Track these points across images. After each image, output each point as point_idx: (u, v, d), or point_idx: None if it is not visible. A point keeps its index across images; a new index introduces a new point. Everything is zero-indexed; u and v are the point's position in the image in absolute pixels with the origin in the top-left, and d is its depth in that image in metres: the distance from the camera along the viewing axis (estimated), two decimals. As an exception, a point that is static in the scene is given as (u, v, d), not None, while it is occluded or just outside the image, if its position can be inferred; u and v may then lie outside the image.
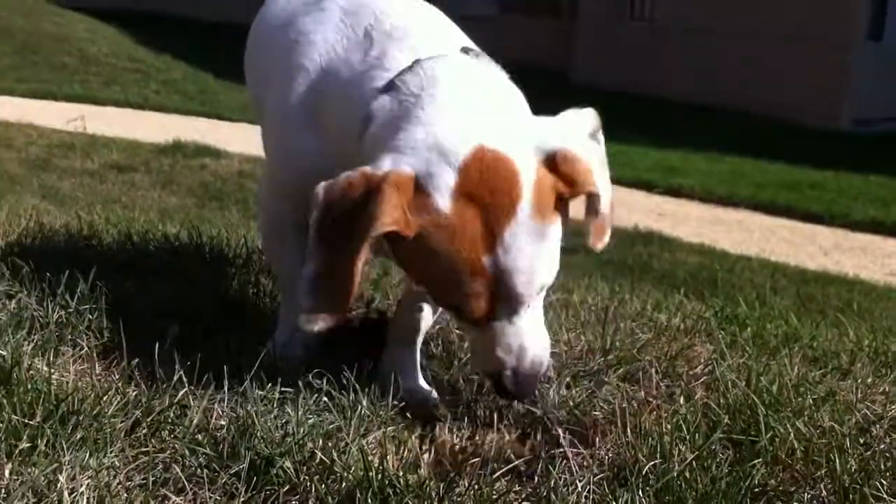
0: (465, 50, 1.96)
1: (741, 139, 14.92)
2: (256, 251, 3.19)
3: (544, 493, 1.63)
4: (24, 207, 4.25)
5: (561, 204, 1.76)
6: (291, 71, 2.08)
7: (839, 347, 2.82)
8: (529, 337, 1.78)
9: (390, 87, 1.85)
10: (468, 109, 1.78)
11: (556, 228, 1.75)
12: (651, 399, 2.05)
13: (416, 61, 1.86)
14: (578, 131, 1.84)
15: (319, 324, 1.73)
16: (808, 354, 2.71)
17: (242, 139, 11.86)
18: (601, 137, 1.89)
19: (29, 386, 1.74)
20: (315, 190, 1.72)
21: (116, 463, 1.59)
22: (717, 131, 15.67)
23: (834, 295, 7.17)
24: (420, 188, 1.69)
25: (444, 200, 1.68)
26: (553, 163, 1.74)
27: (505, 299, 1.73)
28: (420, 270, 1.77)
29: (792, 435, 1.85)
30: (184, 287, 2.55)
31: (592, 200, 1.83)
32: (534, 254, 1.71)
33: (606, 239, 1.90)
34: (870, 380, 2.41)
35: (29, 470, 1.52)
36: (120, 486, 1.54)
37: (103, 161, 9.98)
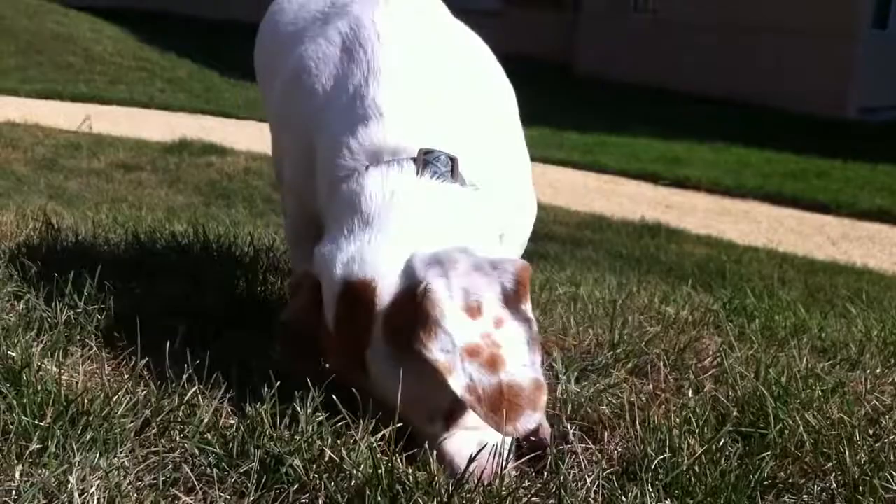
0: (423, 153, 1.83)
1: (747, 129, 14.90)
2: (264, 249, 3.19)
3: (553, 489, 1.63)
4: (32, 208, 4.26)
5: None
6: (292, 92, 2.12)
7: (848, 338, 2.81)
8: (458, 457, 1.62)
9: (348, 179, 1.84)
10: (370, 228, 1.75)
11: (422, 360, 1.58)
12: (660, 392, 2.04)
13: (366, 167, 1.83)
14: (483, 281, 1.63)
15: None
16: (817, 345, 2.71)
17: (248, 136, 11.89)
18: (524, 310, 1.64)
19: (39, 387, 1.74)
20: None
21: (126, 463, 1.60)
22: (722, 122, 15.64)
23: (842, 285, 7.15)
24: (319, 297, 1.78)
25: (329, 314, 1.74)
26: (414, 296, 1.62)
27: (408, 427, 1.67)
28: None
29: (801, 427, 1.85)
30: (192, 286, 2.55)
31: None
32: (393, 380, 1.61)
33: (521, 417, 1.57)
34: (879, 370, 2.40)
35: (39, 471, 1.53)
36: (130, 486, 1.54)
37: (110, 160, 9.99)
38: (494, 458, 1.60)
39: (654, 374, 2.15)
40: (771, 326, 2.87)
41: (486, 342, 1.59)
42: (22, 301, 2.28)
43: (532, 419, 1.59)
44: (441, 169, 1.82)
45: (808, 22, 16.94)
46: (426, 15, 2.15)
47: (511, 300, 1.63)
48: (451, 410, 1.66)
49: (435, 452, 1.62)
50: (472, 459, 1.57)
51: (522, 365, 1.60)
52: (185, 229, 3.65)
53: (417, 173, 1.80)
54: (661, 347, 2.33)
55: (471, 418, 1.65)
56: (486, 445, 1.60)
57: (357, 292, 1.69)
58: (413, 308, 1.60)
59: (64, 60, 17.29)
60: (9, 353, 1.87)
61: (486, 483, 1.57)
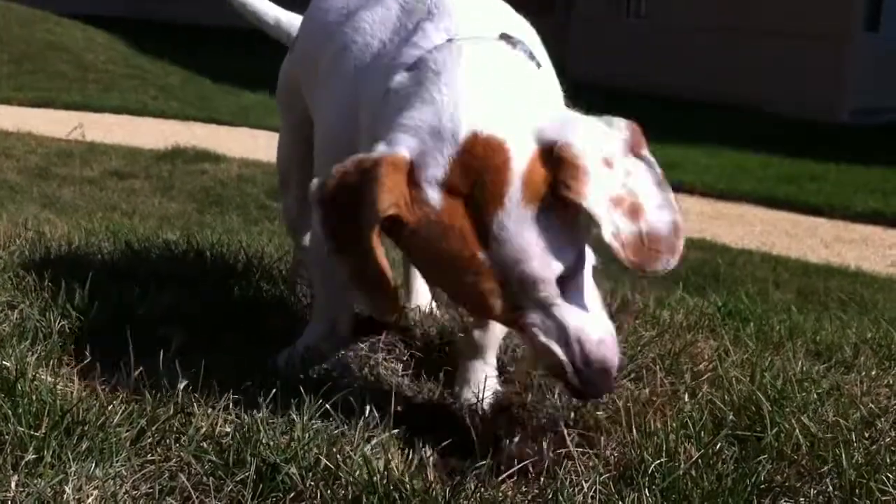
0: (505, 36, 1.87)
1: (740, 133, 14.91)
2: (256, 257, 3.19)
3: (550, 495, 1.63)
4: (25, 217, 4.25)
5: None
6: (338, 58, 2.07)
7: (842, 340, 2.81)
8: (579, 324, 1.66)
9: (415, 65, 1.79)
10: (477, 94, 1.69)
11: (554, 215, 1.62)
12: (655, 397, 2.04)
13: (448, 41, 1.80)
14: (604, 136, 1.68)
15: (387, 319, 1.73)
16: (812, 348, 2.71)
17: (241, 144, 11.87)
18: (647, 155, 1.70)
19: (34, 397, 1.74)
20: (309, 189, 1.69)
21: (123, 472, 1.59)
22: (716, 126, 15.65)
23: (836, 287, 7.17)
24: (413, 177, 1.63)
25: (433, 193, 1.62)
26: (549, 155, 1.63)
27: (520, 290, 1.65)
28: (425, 269, 1.74)
29: (797, 430, 1.85)
30: (185, 294, 2.55)
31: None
32: (529, 241, 1.60)
33: (660, 260, 1.67)
34: (874, 373, 2.41)
35: (35, 481, 1.52)
36: (126, 495, 1.54)
37: (103, 168, 9.97)
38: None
39: (649, 379, 2.15)
40: (766, 330, 2.87)
41: (625, 191, 1.64)
42: (16, 311, 2.27)
43: (671, 262, 1.67)
44: (527, 49, 1.85)
45: (800, 25, 16.98)
46: None
47: (635, 149, 1.69)
48: (565, 276, 1.67)
49: (548, 321, 1.65)
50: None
51: (658, 207, 1.67)
52: (178, 237, 3.65)
53: (513, 48, 1.82)
54: (657, 352, 2.33)
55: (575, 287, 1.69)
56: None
57: (486, 154, 1.62)
58: (556, 165, 1.61)
59: (56, 69, 17.25)
60: (3, 363, 1.87)
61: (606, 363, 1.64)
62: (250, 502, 1.56)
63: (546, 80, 1.90)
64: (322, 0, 2.35)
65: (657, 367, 2.21)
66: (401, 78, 1.79)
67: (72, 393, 1.82)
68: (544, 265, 1.63)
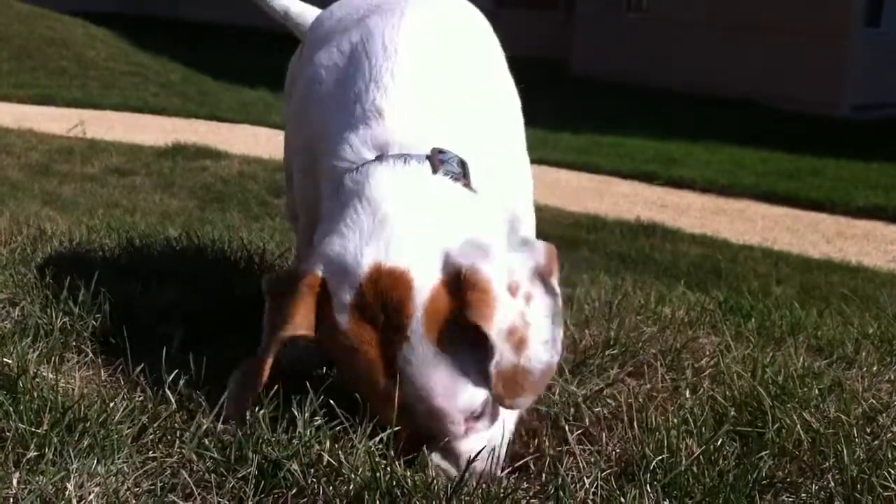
0: (436, 151, 1.79)
1: (740, 129, 14.89)
2: (258, 254, 3.19)
3: (552, 491, 1.63)
4: (26, 214, 4.25)
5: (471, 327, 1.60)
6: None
7: (844, 336, 2.81)
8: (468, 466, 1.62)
9: (341, 183, 1.78)
10: (386, 222, 1.67)
11: (462, 346, 1.60)
12: (657, 393, 2.05)
13: (377, 158, 1.77)
14: (514, 261, 1.66)
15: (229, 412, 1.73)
16: (813, 344, 2.71)
17: (242, 140, 11.87)
18: (553, 285, 1.68)
19: (35, 394, 1.74)
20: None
21: (125, 469, 1.59)
22: (716, 121, 15.63)
23: (838, 283, 7.17)
24: (327, 298, 1.65)
25: (342, 318, 1.63)
26: (456, 281, 1.60)
27: (425, 430, 1.64)
28: (346, 381, 1.73)
29: (799, 426, 1.85)
30: (187, 291, 2.55)
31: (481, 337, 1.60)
32: (433, 376, 1.60)
33: (521, 397, 1.66)
34: (875, 368, 2.41)
35: (37, 478, 1.52)
36: (128, 492, 1.54)
37: (104, 165, 9.96)
38: (492, 459, 1.65)
39: (650, 375, 2.15)
40: (767, 325, 2.87)
41: (521, 322, 1.63)
42: (17, 308, 2.28)
43: (528, 402, 1.70)
44: (455, 170, 1.79)
45: (801, 20, 16.95)
46: (438, 24, 2.05)
47: (542, 275, 1.67)
48: (477, 410, 1.66)
49: (443, 453, 1.65)
50: (472, 460, 1.60)
51: (542, 343, 1.65)
52: (179, 234, 3.65)
53: (435, 171, 1.76)
54: (658, 348, 2.33)
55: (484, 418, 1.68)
56: (484, 447, 1.64)
57: (388, 286, 1.61)
58: (459, 295, 1.59)
59: (57, 65, 17.24)
60: (5, 360, 1.87)
61: (484, 484, 1.58)
62: (252, 499, 1.56)
63: (471, 198, 1.78)
64: (316, 26, 2.39)
65: (658, 362, 2.21)
66: (329, 193, 1.81)
67: (73, 390, 1.82)
68: (449, 401, 1.62)
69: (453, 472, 1.64)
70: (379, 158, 1.77)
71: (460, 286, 1.59)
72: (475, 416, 1.66)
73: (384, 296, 1.61)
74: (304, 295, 1.66)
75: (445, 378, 1.61)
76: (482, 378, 1.62)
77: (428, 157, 1.77)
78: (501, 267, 1.63)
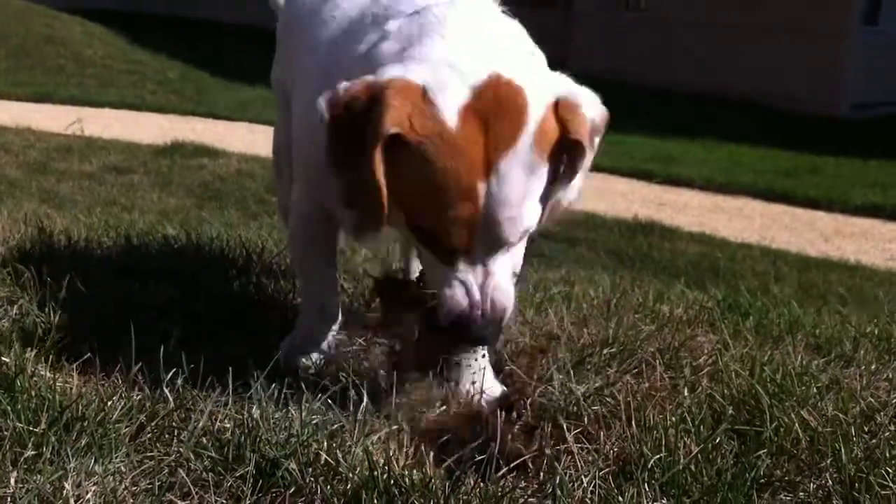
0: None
1: (739, 127, 14.90)
2: (256, 252, 3.18)
3: (550, 489, 1.63)
4: (24, 212, 4.25)
5: (558, 149, 1.75)
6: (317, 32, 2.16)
7: (842, 334, 2.81)
8: (498, 282, 1.75)
9: (415, 13, 1.87)
10: (489, 41, 1.80)
11: (547, 171, 1.74)
12: (655, 391, 2.04)
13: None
14: (596, 114, 1.83)
15: (364, 237, 1.84)
16: (811, 342, 2.71)
17: (240, 138, 11.87)
18: (597, 142, 1.86)
19: (33, 393, 1.74)
20: (317, 104, 1.73)
21: (122, 468, 1.59)
22: (715, 119, 15.64)
23: (836, 281, 7.17)
24: (428, 99, 1.68)
25: (451, 115, 1.67)
26: (556, 106, 1.74)
27: (486, 233, 1.71)
28: (410, 189, 1.72)
29: (797, 424, 1.85)
30: (185, 289, 2.55)
31: (574, 153, 1.78)
32: (524, 189, 1.70)
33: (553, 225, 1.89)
34: (873, 367, 2.41)
35: (35, 477, 1.52)
36: (126, 491, 1.54)
37: (101, 163, 9.96)
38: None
39: (649, 373, 2.15)
40: (765, 324, 2.87)
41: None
42: (15, 306, 2.27)
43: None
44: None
45: (799, 19, 16.95)
46: None
47: (595, 132, 1.82)
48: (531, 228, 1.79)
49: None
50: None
51: (578, 188, 1.88)
52: (177, 232, 3.64)
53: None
54: (656, 346, 2.33)
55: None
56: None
57: (506, 95, 1.69)
58: (564, 117, 1.73)
59: (54, 63, 17.24)
60: (3, 358, 1.87)
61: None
62: (250, 498, 1.56)
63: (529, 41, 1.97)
64: None
65: (657, 361, 2.21)
66: (398, 22, 1.87)
67: (71, 389, 1.81)
68: (525, 217, 1.73)
69: (475, 288, 1.74)
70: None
71: (566, 111, 1.74)
72: (521, 234, 1.77)
73: (500, 104, 1.69)
74: (394, 97, 1.67)
75: (535, 187, 1.72)
76: (545, 200, 1.77)
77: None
78: (588, 111, 1.79)
